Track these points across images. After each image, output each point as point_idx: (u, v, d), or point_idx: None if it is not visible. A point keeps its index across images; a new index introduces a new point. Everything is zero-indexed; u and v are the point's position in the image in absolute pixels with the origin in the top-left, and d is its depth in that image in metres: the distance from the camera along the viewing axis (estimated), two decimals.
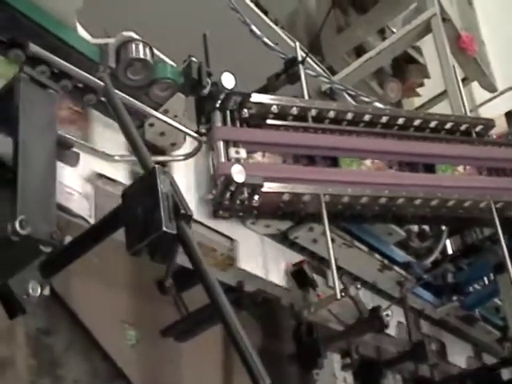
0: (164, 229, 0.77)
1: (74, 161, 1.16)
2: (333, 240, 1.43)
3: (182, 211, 0.79)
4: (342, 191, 1.35)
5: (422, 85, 3.89)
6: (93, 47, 1.18)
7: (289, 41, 2.21)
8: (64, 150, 1.14)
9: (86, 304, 1.60)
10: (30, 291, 0.91)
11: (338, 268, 1.34)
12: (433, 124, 1.57)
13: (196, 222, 1.31)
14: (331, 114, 1.48)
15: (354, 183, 1.38)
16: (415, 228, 1.77)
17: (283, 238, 1.48)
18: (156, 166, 0.83)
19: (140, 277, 1.71)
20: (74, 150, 1.15)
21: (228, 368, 1.72)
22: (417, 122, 1.55)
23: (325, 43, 3.45)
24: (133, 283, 1.72)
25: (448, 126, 1.59)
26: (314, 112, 1.47)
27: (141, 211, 0.81)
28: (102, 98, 1.19)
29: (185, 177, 1.35)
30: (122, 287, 1.71)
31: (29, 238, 0.80)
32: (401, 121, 1.54)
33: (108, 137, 1.22)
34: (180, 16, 1.90)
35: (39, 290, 0.93)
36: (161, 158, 1.30)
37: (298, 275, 1.42)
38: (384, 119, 1.52)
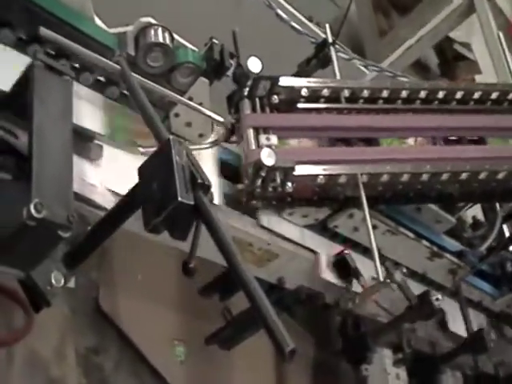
0: (180, 199, 0.75)
1: (96, 154, 1.16)
2: (375, 227, 1.39)
3: (199, 181, 0.78)
4: (380, 169, 1.31)
5: (473, 81, 3.83)
6: (111, 36, 1.19)
7: (317, 31, 2.19)
8: (86, 143, 1.15)
9: (133, 322, 1.63)
10: (53, 282, 0.91)
11: (382, 256, 1.30)
12: (477, 95, 1.51)
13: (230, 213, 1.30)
14: (365, 93, 1.44)
15: (392, 160, 1.33)
16: (467, 216, 1.72)
17: (323, 229, 1.44)
18: (171, 136, 0.82)
19: (185, 292, 1.72)
20: (97, 142, 1.16)
21: (281, 378, 1.71)
22: (459, 95, 1.49)
23: (368, 49, 3.45)
24: (178, 299, 1.73)
25: (494, 95, 1.52)
26: (346, 92, 1.43)
27: (156, 186, 0.80)
28: (125, 91, 1.20)
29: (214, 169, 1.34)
30: (168, 303, 1.73)
31: (45, 222, 0.80)
32: (441, 94, 1.48)
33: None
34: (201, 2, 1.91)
35: (62, 281, 0.92)
36: None
37: (339, 266, 1.38)
38: (423, 94, 1.47)
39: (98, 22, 1.19)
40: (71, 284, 0.97)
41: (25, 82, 0.93)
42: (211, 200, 0.81)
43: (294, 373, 1.81)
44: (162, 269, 1.72)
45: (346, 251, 1.39)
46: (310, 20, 2.72)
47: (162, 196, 0.79)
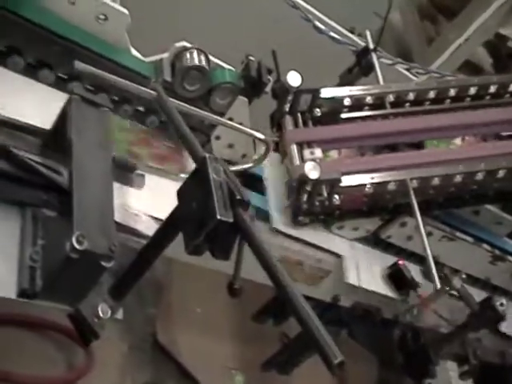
0: (218, 217, 0.76)
1: (139, 183, 1.19)
2: (430, 234, 1.38)
3: (238, 197, 0.79)
4: (430, 172, 1.30)
5: None
6: (147, 65, 1.22)
7: (357, 40, 2.19)
8: (128, 173, 1.18)
9: (191, 354, 1.66)
10: (101, 314, 0.93)
11: (439, 264, 1.29)
12: None
13: (276, 232, 1.30)
14: (411, 96, 1.44)
15: (443, 162, 1.32)
16: None
17: (375, 241, 1.43)
18: (207, 154, 0.83)
19: (242, 322, 1.74)
20: (139, 172, 1.19)
21: None
22: None
23: (416, 57, 3.42)
24: (235, 329, 1.76)
25: None
26: (391, 97, 1.43)
27: (195, 206, 0.81)
28: (163, 119, 1.23)
29: None
30: (226, 334, 1.76)
31: (87, 253, 0.82)
32: (493, 89, 1.47)
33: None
34: (234, 18, 1.93)
35: (109, 313, 0.95)
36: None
37: (395, 277, 1.37)
38: (473, 90, 1.46)
39: (134, 52, 1.21)
40: (119, 315, 0.98)
41: (64, 117, 0.96)
42: (252, 217, 0.82)
43: None
44: (216, 299, 1.75)
45: (400, 262, 1.38)
46: (352, 32, 2.73)
47: (201, 216, 0.79)
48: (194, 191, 0.83)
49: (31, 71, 1.11)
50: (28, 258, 0.91)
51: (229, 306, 1.71)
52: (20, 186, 0.96)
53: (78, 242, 0.82)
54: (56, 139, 0.99)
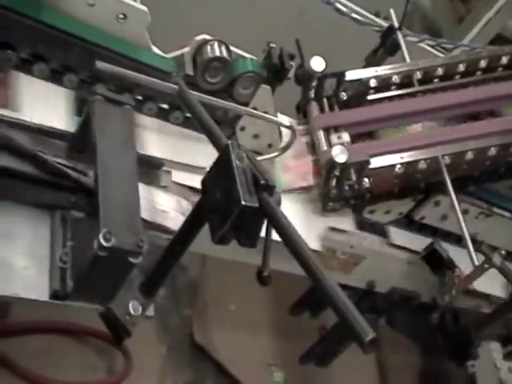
0: (243, 203, 0.76)
1: (166, 180, 1.20)
2: (466, 211, 1.37)
3: (263, 182, 0.79)
4: (463, 147, 1.29)
5: None
6: (169, 61, 1.23)
7: (381, 22, 2.18)
8: (155, 171, 1.19)
9: (229, 352, 1.68)
10: (132, 311, 0.95)
11: (476, 242, 1.27)
12: None
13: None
14: (439, 71, 1.43)
15: (476, 137, 1.31)
16: None
17: (409, 223, 1.43)
18: (229, 141, 0.83)
19: (278, 316, 1.75)
20: (165, 169, 1.21)
21: None
22: None
23: (446, 36, 3.38)
24: (272, 324, 1.77)
25: None
26: (419, 74, 1.43)
27: (219, 195, 0.81)
28: (188, 114, 1.24)
29: None
30: (263, 330, 1.78)
31: (115, 250, 0.84)
32: None
33: (198, 151, 1.26)
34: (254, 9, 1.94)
35: (140, 310, 0.96)
36: None
37: (430, 259, 1.36)
38: (504, 60, 1.45)
39: (155, 49, 1.22)
40: (150, 312, 1.00)
41: (88, 119, 0.98)
42: (278, 202, 0.83)
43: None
44: (251, 295, 1.76)
45: (435, 242, 1.37)
46: (378, 15, 2.71)
47: (225, 204, 0.80)
48: (217, 180, 0.83)
49: (55, 77, 1.13)
50: (58, 260, 0.94)
51: (263, 301, 1.72)
52: (49, 190, 0.98)
53: (105, 239, 0.83)
54: (81, 141, 1.01)
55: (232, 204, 0.78)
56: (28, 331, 1.69)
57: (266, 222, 0.81)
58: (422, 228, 1.45)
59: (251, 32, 1.71)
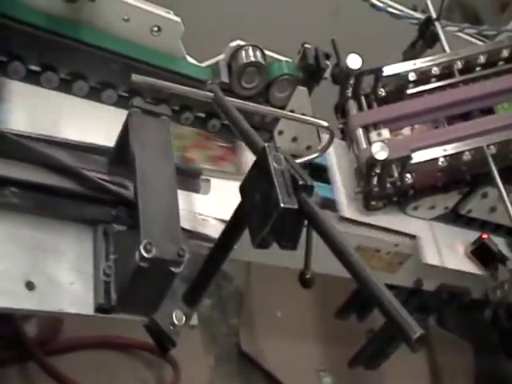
0: (282, 205, 0.76)
1: (205, 189, 1.22)
2: None
3: (301, 182, 0.79)
4: (509, 135, 1.27)
5: None
6: (205, 70, 1.25)
7: (418, 15, 2.16)
8: (194, 179, 1.21)
9: (277, 360, 1.69)
10: (176, 321, 0.97)
11: None
12: None
13: (348, 221, 1.30)
14: (481, 59, 1.41)
15: None
16: None
17: (456, 218, 1.41)
18: (266, 144, 0.84)
19: (325, 321, 1.75)
20: (205, 177, 1.22)
21: None
22: None
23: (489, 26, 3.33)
24: (319, 329, 1.77)
25: None
26: (459, 64, 1.41)
27: (258, 198, 0.82)
28: (225, 122, 1.25)
29: None
30: (310, 336, 1.78)
31: (156, 260, 0.86)
32: None
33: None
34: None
35: (184, 319, 0.98)
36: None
37: (480, 253, 1.34)
38: None
39: (189, 59, 1.24)
40: (194, 321, 1.01)
41: (126, 132, 1.00)
42: (317, 202, 0.83)
43: None
44: (296, 301, 1.76)
45: (484, 236, 1.35)
46: (415, 9, 2.69)
47: (264, 207, 0.80)
48: (255, 183, 0.84)
49: (94, 93, 1.17)
50: (102, 274, 0.96)
51: (309, 306, 1.72)
52: (91, 205, 1.01)
53: (146, 250, 0.85)
54: (120, 155, 1.03)
55: (271, 207, 0.79)
56: (78, 347, 1.73)
57: (306, 223, 0.81)
58: (469, 222, 1.43)
59: (285, 34, 1.72)
